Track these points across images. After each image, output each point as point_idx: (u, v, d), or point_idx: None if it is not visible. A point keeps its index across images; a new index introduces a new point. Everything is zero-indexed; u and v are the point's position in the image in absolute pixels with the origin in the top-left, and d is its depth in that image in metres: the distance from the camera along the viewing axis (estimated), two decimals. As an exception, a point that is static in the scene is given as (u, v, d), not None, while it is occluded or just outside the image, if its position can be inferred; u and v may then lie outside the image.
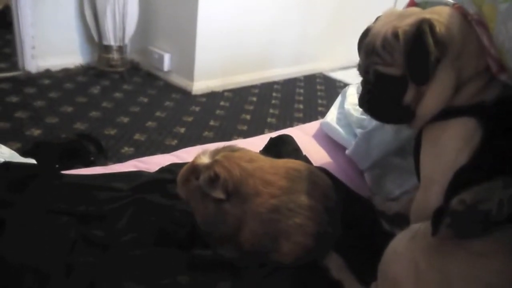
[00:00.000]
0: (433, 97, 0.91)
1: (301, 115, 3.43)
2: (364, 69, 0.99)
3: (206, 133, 2.92)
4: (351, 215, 1.06)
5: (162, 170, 1.20)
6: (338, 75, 4.38)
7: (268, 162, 0.95)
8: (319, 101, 3.76)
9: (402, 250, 0.84)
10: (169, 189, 1.09)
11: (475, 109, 0.88)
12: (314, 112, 3.50)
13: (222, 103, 3.43)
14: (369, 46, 0.95)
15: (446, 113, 0.91)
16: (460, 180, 0.82)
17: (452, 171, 0.84)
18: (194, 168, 0.94)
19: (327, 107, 3.30)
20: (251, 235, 0.90)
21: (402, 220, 1.09)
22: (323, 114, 1.67)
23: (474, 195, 0.72)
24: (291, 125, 2.97)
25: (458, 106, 0.90)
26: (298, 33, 4.07)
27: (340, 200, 0.99)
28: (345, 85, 1.75)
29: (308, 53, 4.28)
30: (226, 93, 3.62)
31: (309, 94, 3.89)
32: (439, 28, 0.86)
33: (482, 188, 0.73)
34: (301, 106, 3.60)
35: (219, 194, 0.88)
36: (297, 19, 3.97)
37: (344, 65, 4.42)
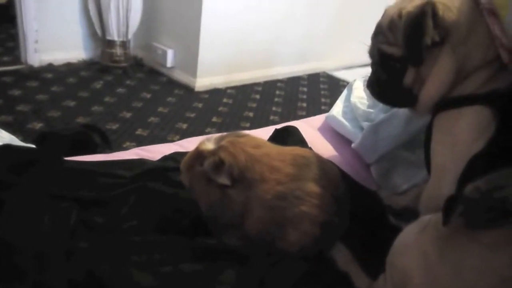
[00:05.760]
0: (434, 82, 0.92)
1: (304, 113, 3.40)
2: (371, 50, 1.00)
3: (208, 129, 2.90)
4: (358, 207, 1.03)
5: (165, 158, 1.18)
6: (341, 75, 4.36)
7: (275, 148, 0.93)
8: (323, 100, 3.74)
9: (412, 242, 0.82)
10: (172, 177, 1.07)
11: (488, 97, 0.86)
12: (317, 110, 3.48)
13: (225, 100, 3.41)
14: (378, 26, 0.97)
15: (458, 101, 0.89)
16: (474, 169, 0.80)
17: (465, 160, 0.82)
18: (198, 154, 0.91)
19: (331, 105, 3.26)
20: (256, 222, 0.88)
21: (409, 215, 1.07)
22: (326, 113, 1.65)
23: (489, 183, 0.70)
24: (294, 123, 2.95)
25: (470, 94, 0.88)
26: (302, 32, 4.04)
27: (348, 191, 0.96)
28: (349, 84, 1.73)
29: (312, 52, 4.26)
30: (229, 90, 3.60)
31: (313, 93, 3.87)
32: (443, 12, 0.86)
33: (497, 175, 0.70)
34: (304, 105, 3.58)
35: (224, 180, 0.86)
36: (302, 17, 3.95)
37: (348, 64, 4.40)
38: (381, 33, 0.95)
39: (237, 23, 3.52)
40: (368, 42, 1.02)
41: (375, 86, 1.04)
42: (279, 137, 1.33)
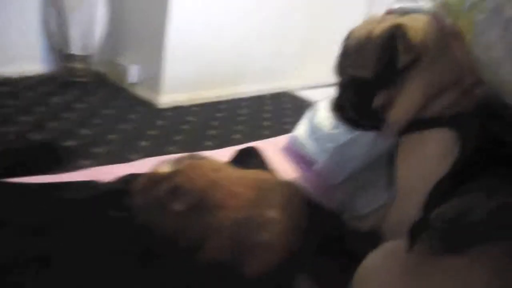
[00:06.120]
0: (403, 104, 0.91)
1: (267, 132, 3.39)
2: (338, 72, 0.99)
3: (170, 148, 2.82)
4: (322, 233, 1.00)
5: (119, 180, 1.10)
6: (306, 94, 4.38)
7: (235, 172, 0.89)
8: (287, 119, 3.73)
9: (376, 269, 0.78)
10: (126, 200, 1.00)
11: (453, 119, 0.85)
12: (281, 130, 3.45)
13: (188, 117, 3.35)
14: (345, 48, 0.96)
15: (425, 123, 0.88)
16: (438, 192, 0.78)
17: (431, 182, 0.80)
18: (154, 178, 0.86)
19: (295, 125, 3.29)
20: (215, 249, 0.82)
21: (373, 238, 1.04)
22: (290, 132, 1.63)
23: (454, 208, 0.68)
24: (258, 142, 2.93)
25: (436, 117, 0.87)
26: (269, 51, 4.05)
27: (312, 216, 0.93)
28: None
29: (278, 71, 4.27)
30: (193, 108, 3.54)
31: (277, 112, 3.86)
32: (412, 35, 0.86)
33: (462, 201, 0.68)
34: (268, 124, 3.57)
35: (180, 206, 0.81)
36: (269, 36, 3.97)
37: (312, 84, 4.42)
38: (348, 56, 0.95)
39: (202, 40, 3.49)
40: (334, 62, 1.01)
41: (340, 109, 1.03)
42: (240, 159, 1.28)
